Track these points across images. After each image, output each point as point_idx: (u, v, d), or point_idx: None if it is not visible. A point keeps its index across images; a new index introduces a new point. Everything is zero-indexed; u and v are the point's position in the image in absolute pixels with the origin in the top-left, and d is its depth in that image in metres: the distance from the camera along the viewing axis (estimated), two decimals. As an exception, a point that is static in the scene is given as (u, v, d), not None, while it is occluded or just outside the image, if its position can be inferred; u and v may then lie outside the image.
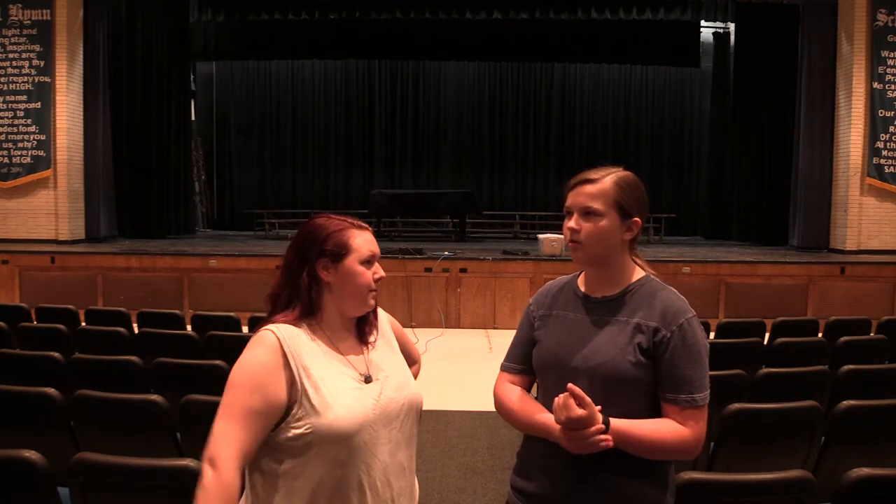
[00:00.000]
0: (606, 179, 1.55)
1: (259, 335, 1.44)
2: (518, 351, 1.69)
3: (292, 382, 1.40)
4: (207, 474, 1.33)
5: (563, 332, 1.59)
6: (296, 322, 1.47)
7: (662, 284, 1.58)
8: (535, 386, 1.71)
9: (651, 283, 1.58)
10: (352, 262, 1.49)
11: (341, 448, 1.39)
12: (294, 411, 1.39)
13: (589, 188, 1.54)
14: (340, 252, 1.48)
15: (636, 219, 1.56)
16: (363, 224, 1.55)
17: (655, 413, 1.51)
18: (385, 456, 1.46)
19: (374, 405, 1.45)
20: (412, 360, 1.74)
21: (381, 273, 1.54)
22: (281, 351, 1.41)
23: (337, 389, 1.43)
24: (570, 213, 1.58)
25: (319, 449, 1.39)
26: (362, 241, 1.51)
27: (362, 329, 1.56)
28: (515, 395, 1.63)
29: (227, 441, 1.35)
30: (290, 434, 1.39)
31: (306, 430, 1.38)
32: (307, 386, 1.40)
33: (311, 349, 1.45)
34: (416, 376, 1.70)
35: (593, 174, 1.56)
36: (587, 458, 1.46)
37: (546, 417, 1.51)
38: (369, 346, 1.56)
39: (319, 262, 1.48)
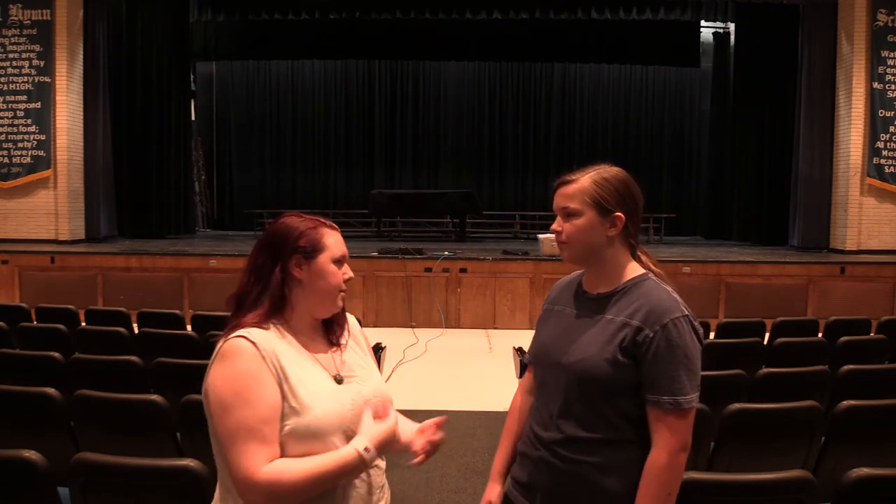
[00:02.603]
0: (584, 178, 1.56)
1: (231, 345, 1.40)
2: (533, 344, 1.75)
3: (278, 383, 1.40)
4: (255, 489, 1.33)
5: (557, 327, 1.62)
6: (263, 323, 1.45)
7: (656, 283, 1.56)
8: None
9: (646, 281, 1.56)
10: (325, 260, 1.48)
11: (320, 448, 1.39)
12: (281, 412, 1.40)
13: (566, 189, 1.57)
14: (314, 249, 1.48)
15: (618, 214, 1.54)
16: (334, 224, 1.55)
17: (644, 423, 1.49)
18: None
19: (351, 405, 1.46)
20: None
21: (350, 274, 1.54)
22: (260, 356, 1.40)
23: (315, 390, 1.43)
24: (556, 215, 1.61)
25: (298, 448, 1.38)
26: (334, 240, 1.51)
27: (331, 330, 1.56)
28: (509, 411, 1.77)
29: (252, 462, 1.32)
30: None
31: (287, 430, 1.38)
32: (285, 388, 1.40)
33: (285, 350, 1.44)
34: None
35: (573, 175, 1.58)
36: (572, 452, 1.50)
37: (497, 460, 1.72)
38: (340, 347, 1.56)
39: (293, 259, 1.47)
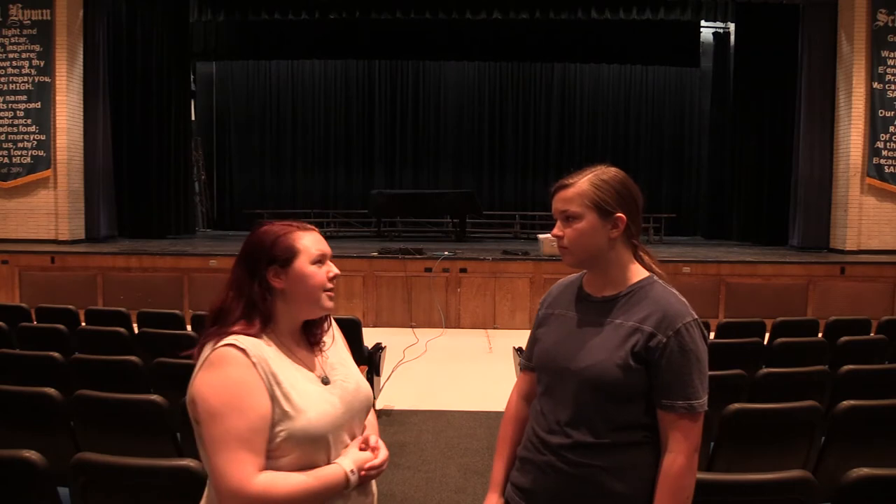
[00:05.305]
0: (582, 181, 1.55)
1: (220, 353, 1.39)
2: (529, 349, 1.72)
3: (269, 391, 1.39)
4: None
5: (561, 332, 1.60)
6: (249, 330, 1.43)
7: (664, 286, 1.55)
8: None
9: (652, 284, 1.55)
10: (302, 263, 1.46)
11: (314, 449, 1.41)
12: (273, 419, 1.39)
13: (565, 193, 1.56)
14: (288, 256, 1.45)
15: (619, 215, 1.53)
16: (308, 225, 1.52)
17: (651, 426, 1.49)
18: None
19: (341, 405, 1.47)
20: None
21: (335, 270, 1.51)
22: (250, 363, 1.38)
23: (307, 393, 1.43)
24: (556, 220, 1.60)
25: (294, 452, 1.38)
26: (309, 241, 1.48)
27: (312, 333, 1.54)
28: (506, 419, 1.74)
29: (243, 471, 1.32)
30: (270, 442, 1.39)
31: (282, 436, 1.37)
32: (278, 393, 1.39)
33: (274, 356, 1.44)
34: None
35: (570, 178, 1.57)
36: (580, 456, 1.48)
37: (496, 469, 1.68)
38: (322, 348, 1.54)
39: (270, 270, 1.45)
